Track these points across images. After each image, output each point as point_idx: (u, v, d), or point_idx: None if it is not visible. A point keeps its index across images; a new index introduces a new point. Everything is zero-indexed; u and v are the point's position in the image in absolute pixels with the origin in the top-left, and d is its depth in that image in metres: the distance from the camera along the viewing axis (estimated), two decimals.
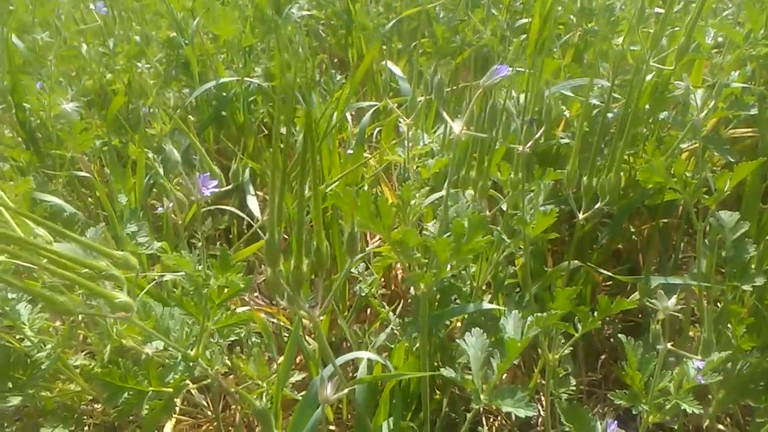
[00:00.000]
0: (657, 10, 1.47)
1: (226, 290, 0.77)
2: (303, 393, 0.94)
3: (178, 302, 0.77)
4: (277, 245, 0.62)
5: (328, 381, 0.67)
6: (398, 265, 1.49)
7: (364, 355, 0.95)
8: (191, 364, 0.77)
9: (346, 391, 0.65)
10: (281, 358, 1.12)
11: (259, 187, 1.71)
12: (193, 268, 0.80)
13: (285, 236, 1.47)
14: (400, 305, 1.44)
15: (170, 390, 0.79)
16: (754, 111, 1.18)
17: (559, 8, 1.64)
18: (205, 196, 0.87)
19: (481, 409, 1.38)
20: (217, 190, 0.89)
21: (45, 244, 0.66)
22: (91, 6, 1.95)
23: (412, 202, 0.73)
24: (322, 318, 1.26)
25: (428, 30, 1.97)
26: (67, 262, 0.59)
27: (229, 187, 0.95)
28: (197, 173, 0.89)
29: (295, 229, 0.62)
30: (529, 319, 0.80)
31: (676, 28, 1.37)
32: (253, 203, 1.51)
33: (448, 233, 0.75)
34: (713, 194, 1.08)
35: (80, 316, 0.99)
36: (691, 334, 1.34)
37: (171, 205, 0.91)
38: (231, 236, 1.70)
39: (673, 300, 0.90)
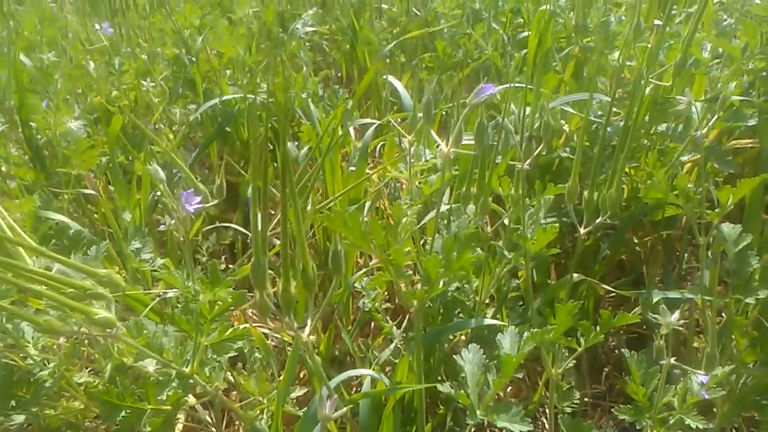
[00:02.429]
0: (656, 22, 1.47)
1: (218, 305, 0.78)
2: (305, 408, 0.94)
3: (171, 319, 0.78)
4: (263, 268, 0.62)
5: (327, 398, 0.67)
6: None
7: (366, 372, 0.95)
8: (188, 380, 0.77)
9: (345, 410, 0.66)
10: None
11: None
12: (182, 284, 0.80)
13: (290, 251, 1.47)
14: (405, 319, 1.44)
15: (169, 407, 0.79)
16: (752, 122, 1.18)
17: (560, 20, 1.65)
18: (189, 212, 0.88)
19: (486, 422, 1.38)
20: (201, 206, 0.90)
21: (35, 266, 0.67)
22: (97, 27, 1.98)
23: (404, 220, 0.73)
24: (313, 338, 1.27)
25: (431, 45, 1.99)
26: (54, 283, 0.59)
27: (215, 202, 0.96)
28: (181, 190, 0.90)
29: (281, 251, 0.63)
30: (526, 334, 0.80)
31: (672, 42, 1.37)
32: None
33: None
34: (716, 207, 1.07)
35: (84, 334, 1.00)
36: (695, 345, 1.33)
37: (173, 222, 0.92)
38: (235, 251, 1.70)
39: (677, 315, 0.89)
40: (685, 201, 1.07)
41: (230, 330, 0.81)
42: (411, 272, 1.00)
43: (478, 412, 0.80)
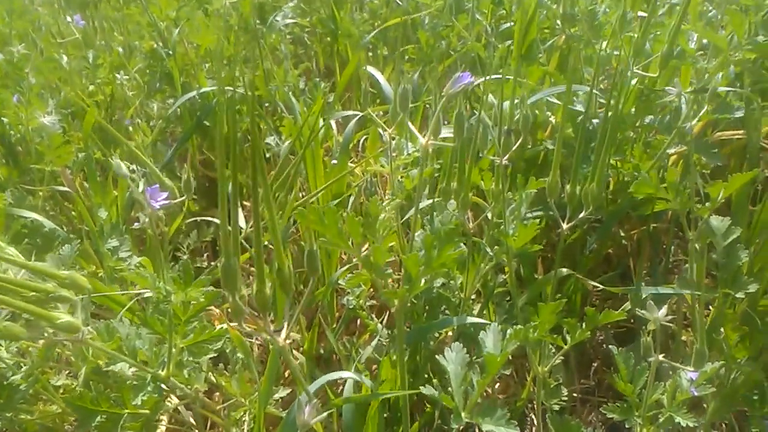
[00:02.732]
0: (641, 14, 1.45)
1: (192, 305, 0.75)
2: (288, 411, 0.91)
3: (143, 321, 0.75)
4: (234, 269, 0.59)
5: (306, 404, 0.65)
6: None
7: (347, 375, 0.93)
8: (165, 384, 0.74)
9: (324, 415, 0.63)
10: None
11: (245, 197, 1.69)
12: (152, 284, 0.77)
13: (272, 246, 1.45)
14: (390, 315, 1.42)
15: (147, 411, 0.76)
16: (739, 114, 1.17)
17: (544, 11, 1.62)
18: (155, 208, 0.85)
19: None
20: (167, 202, 0.87)
21: None
22: (69, 19, 1.93)
23: (381, 216, 0.71)
24: (297, 336, 1.24)
25: (414, 37, 1.96)
26: (12, 287, 0.57)
27: (183, 198, 0.93)
28: (146, 186, 0.87)
29: (254, 251, 0.60)
30: (509, 332, 0.78)
31: (659, 32, 1.35)
32: (239, 214, 1.49)
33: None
34: (703, 201, 1.06)
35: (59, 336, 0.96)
36: (684, 338, 1.32)
37: (147, 219, 0.89)
38: (217, 248, 1.67)
39: (664, 310, 0.88)
40: (674, 195, 1.05)
41: (207, 331, 0.78)
42: (395, 267, 0.97)
43: (463, 415, 0.78)
